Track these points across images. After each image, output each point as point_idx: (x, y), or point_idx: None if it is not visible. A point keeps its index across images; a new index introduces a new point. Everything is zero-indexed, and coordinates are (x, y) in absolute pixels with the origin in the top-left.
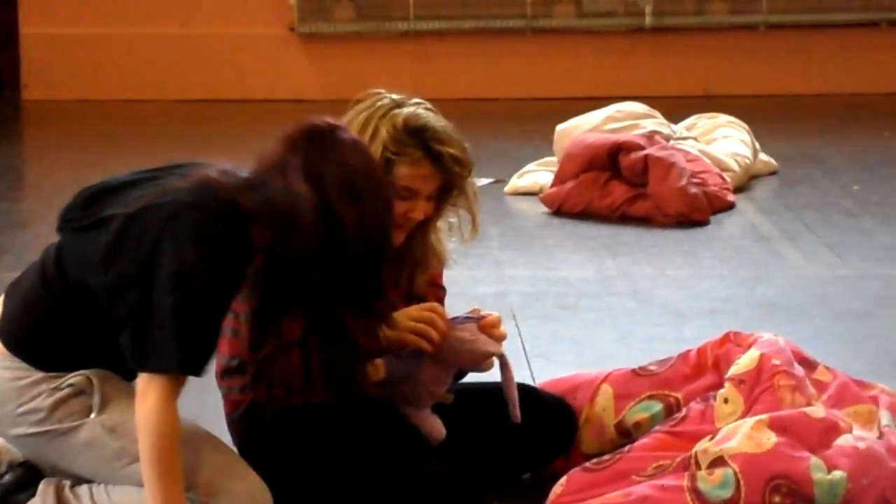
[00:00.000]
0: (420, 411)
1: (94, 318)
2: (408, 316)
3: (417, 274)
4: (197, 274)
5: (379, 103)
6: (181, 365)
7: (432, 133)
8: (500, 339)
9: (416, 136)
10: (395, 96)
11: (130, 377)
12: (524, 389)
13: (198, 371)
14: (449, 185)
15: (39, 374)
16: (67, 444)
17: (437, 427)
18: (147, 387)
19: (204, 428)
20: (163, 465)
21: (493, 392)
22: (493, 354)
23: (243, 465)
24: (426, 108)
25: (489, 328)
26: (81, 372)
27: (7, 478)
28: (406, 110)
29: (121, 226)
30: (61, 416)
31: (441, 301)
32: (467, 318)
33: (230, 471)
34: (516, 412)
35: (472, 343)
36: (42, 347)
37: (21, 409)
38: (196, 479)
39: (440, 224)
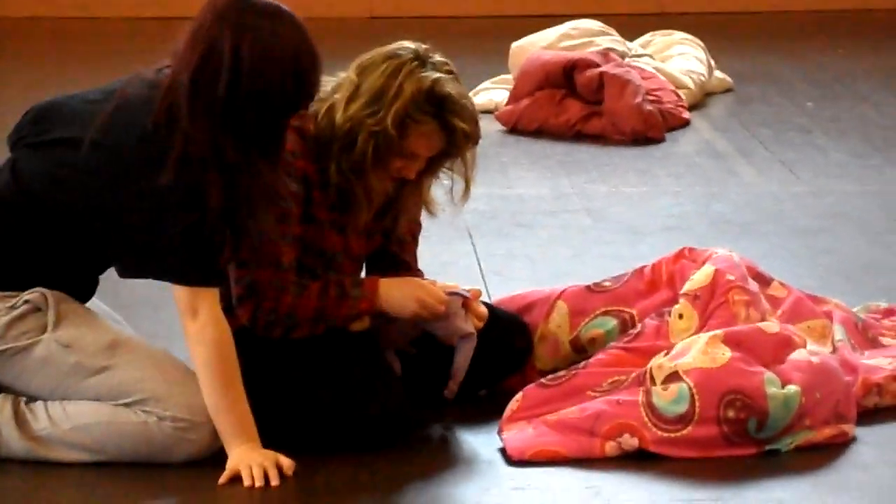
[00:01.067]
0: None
1: (56, 232)
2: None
3: (401, 219)
4: (197, 187)
5: (404, 55)
6: (218, 275)
7: (451, 105)
8: (480, 316)
9: (436, 106)
10: (415, 47)
11: (84, 297)
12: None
13: (215, 280)
14: (450, 152)
15: None
16: (23, 362)
17: (394, 366)
18: (194, 302)
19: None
20: (225, 375)
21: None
22: (467, 333)
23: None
24: (448, 71)
25: (472, 303)
26: (37, 289)
27: None
28: (432, 75)
29: (92, 151)
30: (17, 334)
31: (415, 236)
32: (452, 294)
33: (185, 383)
34: (454, 388)
35: (452, 319)
36: None
37: None
38: (150, 391)
39: None
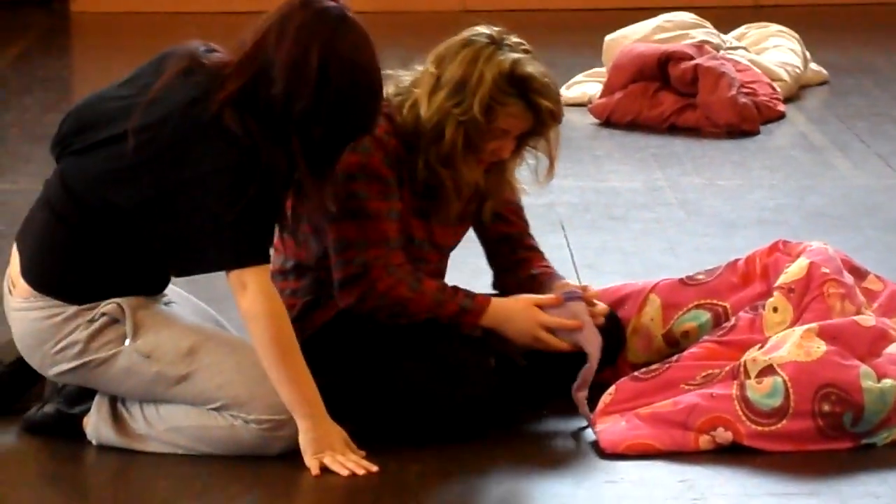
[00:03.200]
0: None
1: (116, 237)
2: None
3: (487, 203)
4: (244, 165)
5: (479, 41)
6: (264, 252)
7: (534, 84)
8: (601, 313)
9: (519, 87)
10: (489, 31)
11: (159, 291)
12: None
13: (264, 258)
14: (536, 131)
15: (72, 309)
16: (108, 374)
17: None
18: (242, 278)
19: (224, 332)
20: (282, 347)
21: None
22: (587, 352)
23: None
24: (525, 50)
25: (591, 302)
26: (113, 300)
27: (67, 389)
28: (510, 56)
29: (137, 141)
30: (98, 346)
31: (517, 211)
32: (572, 296)
33: (266, 382)
34: (584, 389)
35: (577, 334)
36: (69, 280)
37: (59, 346)
38: (231, 395)
39: None
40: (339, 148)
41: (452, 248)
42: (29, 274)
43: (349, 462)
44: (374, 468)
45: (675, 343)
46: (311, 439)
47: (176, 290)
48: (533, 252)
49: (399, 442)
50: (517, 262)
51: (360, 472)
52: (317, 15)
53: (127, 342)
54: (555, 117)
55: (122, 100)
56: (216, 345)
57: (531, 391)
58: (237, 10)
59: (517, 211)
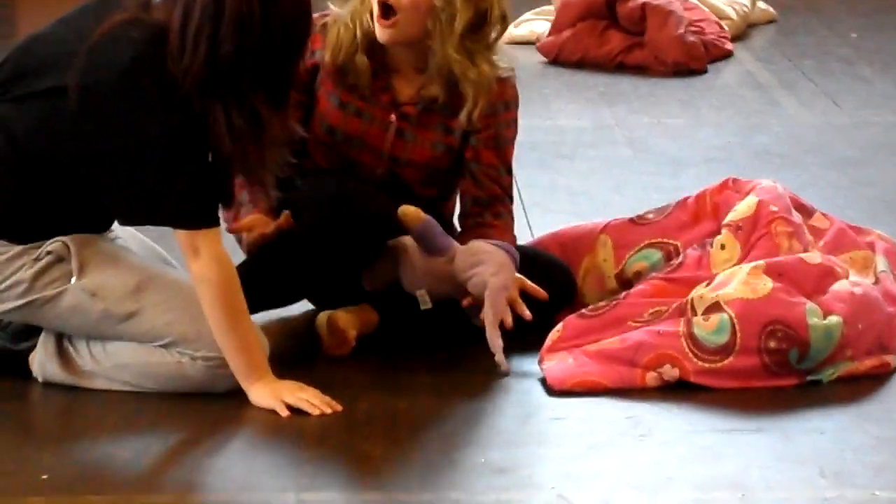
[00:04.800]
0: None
1: (58, 181)
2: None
3: (468, 102)
4: (192, 128)
5: None
6: (215, 215)
7: None
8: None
9: None
10: None
11: (105, 229)
12: (523, 251)
13: (213, 221)
14: None
15: (17, 248)
16: (53, 312)
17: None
18: (194, 241)
19: (172, 271)
20: (232, 313)
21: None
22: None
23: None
24: None
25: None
26: (58, 239)
27: (12, 326)
28: None
29: (79, 98)
30: (43, 285)
31: (498, 181)
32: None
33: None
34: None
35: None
36: (12, 220)
37: (4, 285)
38: (179, 332)
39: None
40: (292, 73)
41: (417, 165)
42: None
43: (315, 399)
44: (339, 407)
45: (627, 283)
46: (264, 393)
47: (125, 230)
48: (498, 221)
49: (346, 381)
50: (476, 226)
51: (328, 410)
52: None
53: (73, 280)
54: None
55: (62, 44)
56: (163, 282)
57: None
58: None
59: (495, 176)
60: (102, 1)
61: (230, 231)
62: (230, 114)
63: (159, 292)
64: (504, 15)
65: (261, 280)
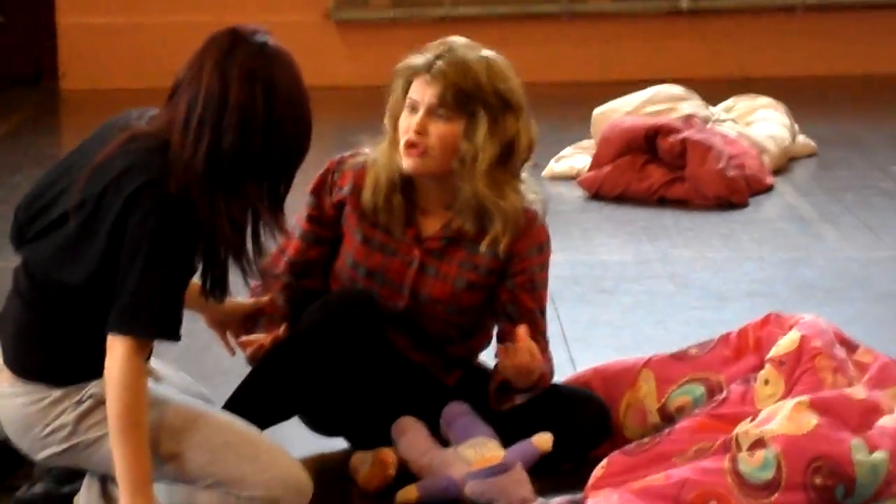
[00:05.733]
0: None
1: (82, 317)
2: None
3: (493, 230)
4: (158, 242)
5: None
6: (140, 327)
7: (443, 51)
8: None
9: (428, 54)
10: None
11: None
12: (558, 389)
13: (159, 333)
14: (461, 100)
15: (58, 392)
16: (97, 455)
17: None
18: (114, 343)
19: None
20: (128, 419)
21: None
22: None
23: (271, 448)
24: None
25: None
26: (100, 381)
27: (57, 468)
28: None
29: (78, 218)
30: (86, 428)
31: (543, 332)
32: (492, 473)
33: (257, 458)
34: None
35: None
36: (50, 364)
37: (48, 430)
38: (223, 473)
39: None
40: (292, 173)
41: (439, 301)
42: (11, 362)
43: None
44: None
45: (670, 418)
46: None
47: (165, 366)
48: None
49: None
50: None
51: None
52: (251, 55)
53: (109, 435)
54: (458, 70)
55: (68, 176)
56: (205, 423)
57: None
58: None
59: (532, 319)
60: (107, 126)
61: (238, 345)
62: (230, 205)
63: (201, 433)
64: (531, 143)
65: (260, 390)
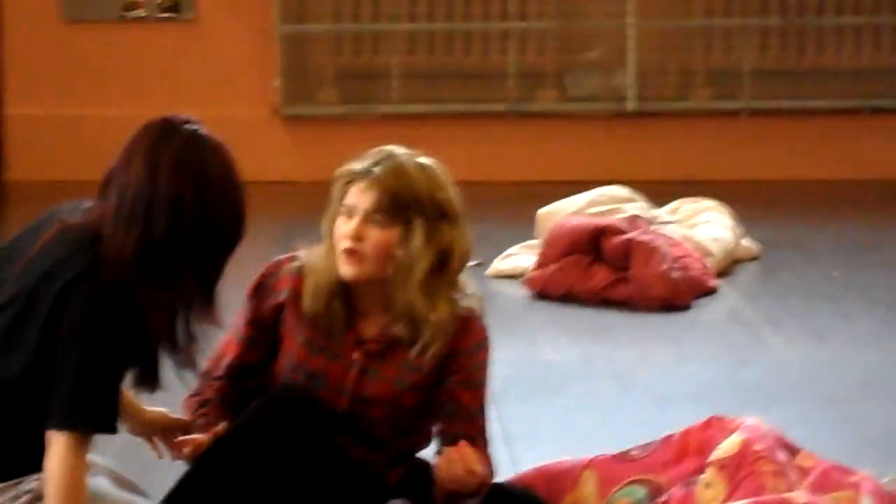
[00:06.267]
0: None
1: (22, 412)
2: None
3: (422, 339)
4: (92, 336)
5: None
6: (79, 423)
7: (381, 158)
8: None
9: (367, 161)
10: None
11: None
12: (497, 487)
13: (98, 428)
14: (398, 207)
15: None
16: None
17: None
18: (53, 439)
19: None
20: None
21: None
22: None
23: None
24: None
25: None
26: (38, 476)
27: None
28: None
29: (11, 311)
30: None
31: (473, 421)
32: None
33: None
34: None
35: None
36: None
37: None
38: None
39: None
40: (224, 262)
41: (380, 402)
42: None
43: None
44: None
45: None
46: None
47: (101, 461)
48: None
49: None
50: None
51: None
52: (182, 145)
53: None
54: (396, 176)
55: (1, 272)
56: None
57: None
58: None
59: (471, 417)
60: (43, 219)
61: (175, 444)
62: (160, 294)
63: None
64: (465, 253)
65: (198, 486)
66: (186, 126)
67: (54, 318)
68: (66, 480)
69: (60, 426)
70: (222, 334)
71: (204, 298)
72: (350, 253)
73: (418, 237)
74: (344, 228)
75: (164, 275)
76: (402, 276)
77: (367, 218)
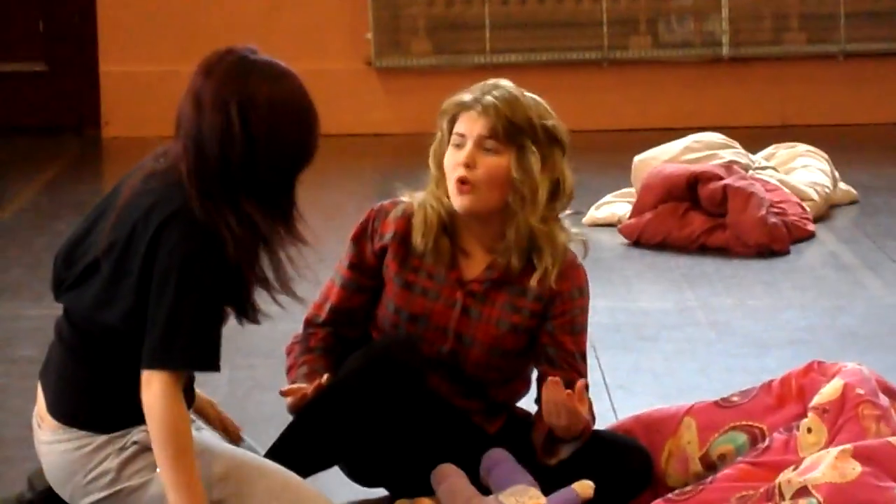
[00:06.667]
0: None
1: (125, 361)
2: None
3: (542, 264)
4: (188, 272)
5: None
6: (175, 359)
7: (490, 88)
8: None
9: (475, 91)
10: None
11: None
12: (600, 435)
13: (195, 363)
14: (511, 132)
15: (101, 438)
16: (142, 500)
17: None
18: (150, 377)
19: (255, 456)
20: (175, 448)
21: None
22: None
23: (313, 496)
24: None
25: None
26: (144, 428)
27: None
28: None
29: (109, 261)
30: (130, 474)
31: (575, 366)
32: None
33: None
34: None
35: None
36: (93, 411)
37: (90, 476)
38: None
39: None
40: (289, 182)
41: (483, 343)
42: (54, 409)
43: None
44: None
45: (712, 466)
46: None
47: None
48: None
49: None
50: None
51: None
52: (224, 76)
53: (158, 470)
54: (509, 106)
55: (97, 227)
56: (249, 469)
57: None
58: None
59: (573, 362)
60: (129, 173)
61: (281, 394)
62: (229, 223)
63: (245, 479)
64: (572, 184)
65: (302, 438)
66: (236, 54)
67: (151, 259)
68: (166, 416)
69: (155, 364)
70: (325, 281)
71: (278, 223)
72: (462, 181)
73: (535, 161)
74: (454, 158)
75: (231, 204)
76: (523, 200)
77: (479, 144)
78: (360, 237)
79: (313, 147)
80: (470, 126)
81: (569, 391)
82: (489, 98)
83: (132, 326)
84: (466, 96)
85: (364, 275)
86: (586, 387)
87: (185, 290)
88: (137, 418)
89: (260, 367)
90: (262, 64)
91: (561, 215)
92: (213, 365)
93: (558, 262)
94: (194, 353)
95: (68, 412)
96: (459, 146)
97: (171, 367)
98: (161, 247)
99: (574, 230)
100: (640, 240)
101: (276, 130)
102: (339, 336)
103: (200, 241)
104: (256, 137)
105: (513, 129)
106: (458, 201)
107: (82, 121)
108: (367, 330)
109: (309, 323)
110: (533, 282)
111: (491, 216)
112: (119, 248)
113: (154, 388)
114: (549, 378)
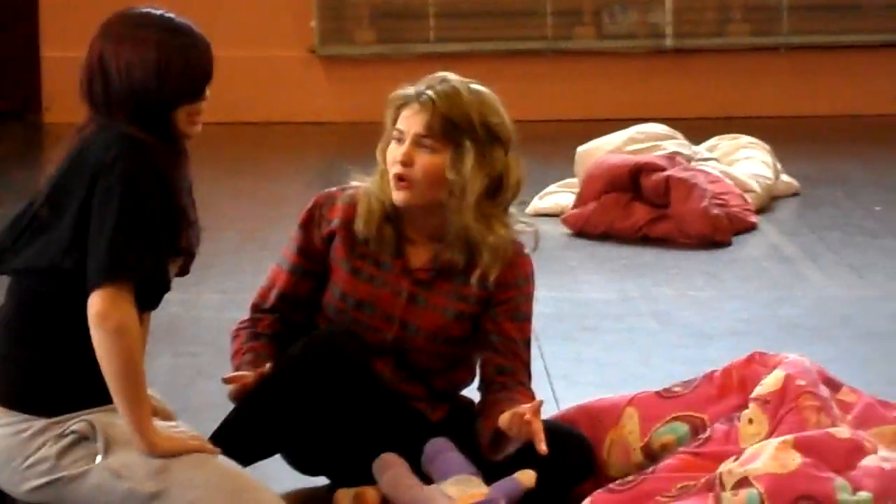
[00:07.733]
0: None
1: (66, 335)
2: None
3: (481, 264)
4: (131, 185)
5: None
6: (122, 271)
7: (435, 82)
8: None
9: (421, 84)
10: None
11: None
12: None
13: (149, 274)
14: (447, 130)
15: (41, 423)
16: (78, 491)
17: None
18: (94, 300)
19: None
20: (128, 362)
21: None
22: None
23: (254, 486)
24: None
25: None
26: (83, 417)
27: None
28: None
29: (47, 206)
30: (68, 463)
31: (517, 354)
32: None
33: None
34: None
35: None
36: (33, 393)
37: (28, 462)
38: None
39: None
40: (161, 119)
41: (428, 331)
42: None
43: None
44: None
45: (653, 456)
46: (163, 441)
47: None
48: (524, 390)
49: None
50: (502, 391)
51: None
52: (106, 22)
53: (98, 459)
54: (445, 100)
55: (33, 202)
56: (189, 460)
57: None
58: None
59: (516, 350)
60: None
61: (224, 381)
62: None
63: (185, 470)
64: (519, 180)
65: (243, 426)
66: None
67: (93, 188)
68: (116, 328)
69: (101, 279)
70: (271, 266)
71: (167, 153)
72: (400, 178)
73: (469, 160)
74: (393, 154)
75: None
76: (456, 199)
77: (417, 142)
78: (308, 223)
79: (170, 90)
80: (409, 122)
81: (535, 417)
82: (430, 93)
83: (76, 263)
84: (410, 90)
85: (311, 260)
86: (540, 403)
87: (130, 203)
88: (78, 402)
89: (203, 354)
90: (146, 10)
91: (511, 209)
92: (162, 281)
93: (498, 260)
94: (146, 263)
95: (9, 393)
96: (399, 141)
97: (118, 279)
98: (102, 172)
99: (524, 220)
100: (584, 230)
101: (129, 72)
102: (286, 322)
103: (140, 159)
104: (116, 75)
105: (450, 127)
106: (395, 196)
107: (24, 106)
108: (312, 317)
109: (256, 308)
110: (473, 280)
111: (432, 209)
112: (57, 192)
113: (97, 309)
114: (528, 410)
